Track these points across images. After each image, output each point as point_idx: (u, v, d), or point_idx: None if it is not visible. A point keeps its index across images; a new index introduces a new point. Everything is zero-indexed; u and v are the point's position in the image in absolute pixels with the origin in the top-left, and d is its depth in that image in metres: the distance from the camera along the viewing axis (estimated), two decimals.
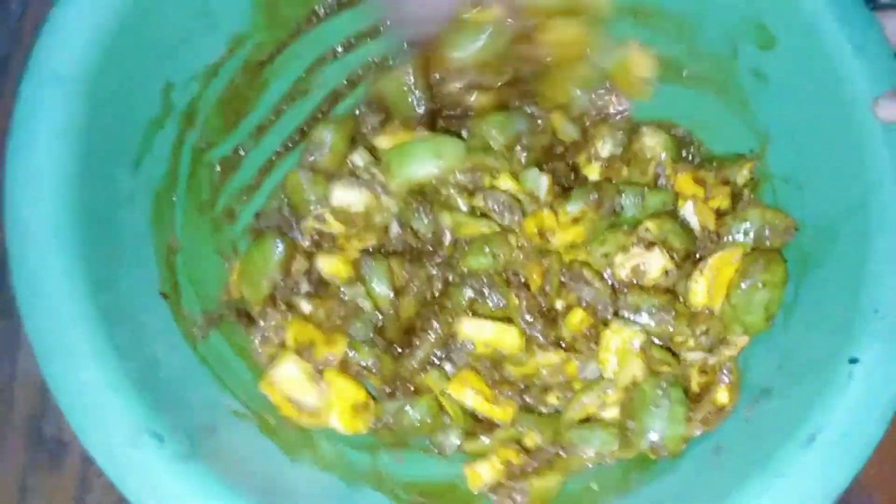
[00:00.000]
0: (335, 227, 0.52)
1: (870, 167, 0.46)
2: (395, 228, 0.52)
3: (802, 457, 0.41)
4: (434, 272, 0.52)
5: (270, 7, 0.56)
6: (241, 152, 0.58)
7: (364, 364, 0.51)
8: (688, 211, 0.50)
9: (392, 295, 0.50)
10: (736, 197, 0.53)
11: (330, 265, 0.51)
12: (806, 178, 0.51)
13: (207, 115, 0.56)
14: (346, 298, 0.50)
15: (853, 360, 0.42)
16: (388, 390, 0.52)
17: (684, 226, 0.50)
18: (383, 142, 0.54)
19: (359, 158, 0.54)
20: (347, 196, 0.51)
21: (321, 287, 0.53)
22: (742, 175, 0.54)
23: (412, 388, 0.51)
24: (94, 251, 0.45)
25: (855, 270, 0.45)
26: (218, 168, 0.56)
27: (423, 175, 0.51)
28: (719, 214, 0.52)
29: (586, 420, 0.49)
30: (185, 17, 0.52)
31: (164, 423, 0.41)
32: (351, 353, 0.51)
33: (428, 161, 0.51)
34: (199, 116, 0.55)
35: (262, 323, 0.52)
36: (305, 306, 0.50)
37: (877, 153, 0.46)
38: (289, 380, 0.49)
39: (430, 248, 0.52)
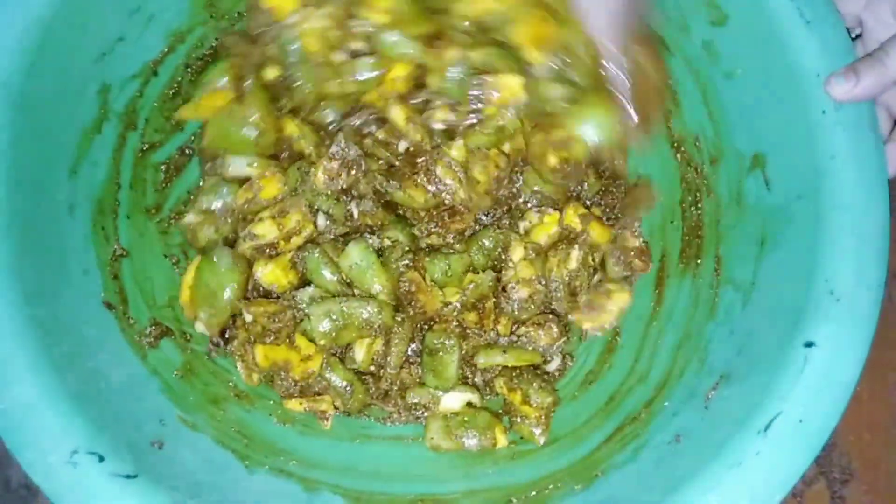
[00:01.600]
0: (269, 232, 0.50)
1: (822, 145, 0.45)
2: (321, 221, 0.51)
3: (759, 445, 0.40)
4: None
5: (208, 0, 0.54)
6: (188, 152, 0.56)
7: (337, 386, 0.50)
8: None
9: (338, 276, 0.49)
10: None
11: (268, 274, 0.50)
12: (763, 156, 0.50)
13: (149, 115, 0.54)
14: (303, 305, 0.49)
15: (809, 344, 0.42)
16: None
17: None
18: None
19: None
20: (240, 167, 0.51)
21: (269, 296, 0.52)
22: None
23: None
24: (30, 263, 0.44)
25: (810, 252, 0.44)
26: (163, 170, 0.55)
27: None
28: None
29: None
30: (117, 15, 0.50)
31: (104, 440, 0.40)
32: (331, 376, 0.50)
33: None
34: (140, 118, 0.53)
35: (229, 347, 0.51)
36: (248, 316, 0.49)
37: (829, 131, 0.45)
38: None
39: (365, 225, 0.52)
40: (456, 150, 0.52)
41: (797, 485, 0.40)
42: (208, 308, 0.50)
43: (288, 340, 0.50)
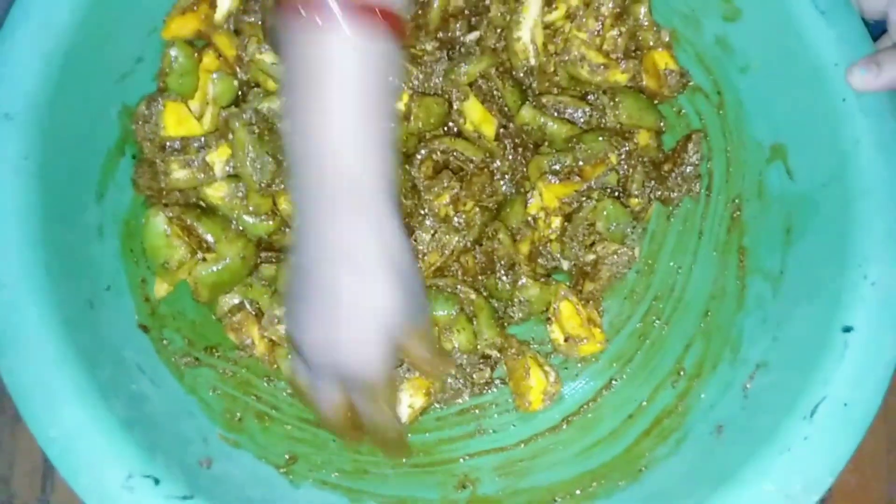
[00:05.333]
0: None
1: (845, 132, 0.46)
2: None
3: (806, 430, 0.41)
4: None
5: None
6: None
7: None
8: None
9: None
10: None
11: None
12: (783, 146, 0.51)
13: None
14: None
15: (847, 329, 0.42)
16: None
17: None
18: None
19: None
20: None
21: None
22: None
23: None
24: (67, 290, 0.43)
25: (840, 237, 0.45)
26: None
27: None
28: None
29: None
30: (136, 36, 0.50)
31: (158, 463, 0.40)
32: None
33: None
34: None
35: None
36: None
37: (851, 118, 0.46)
38: None
39: None
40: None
41: None
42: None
43: None
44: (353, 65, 0.39)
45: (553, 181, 0.52)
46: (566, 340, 0.53)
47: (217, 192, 0.49)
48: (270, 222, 0.49)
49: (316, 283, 0.41)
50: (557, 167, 0.52)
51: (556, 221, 0.53)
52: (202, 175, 0.48)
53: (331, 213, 0.40)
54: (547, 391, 0.52)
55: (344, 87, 0.39)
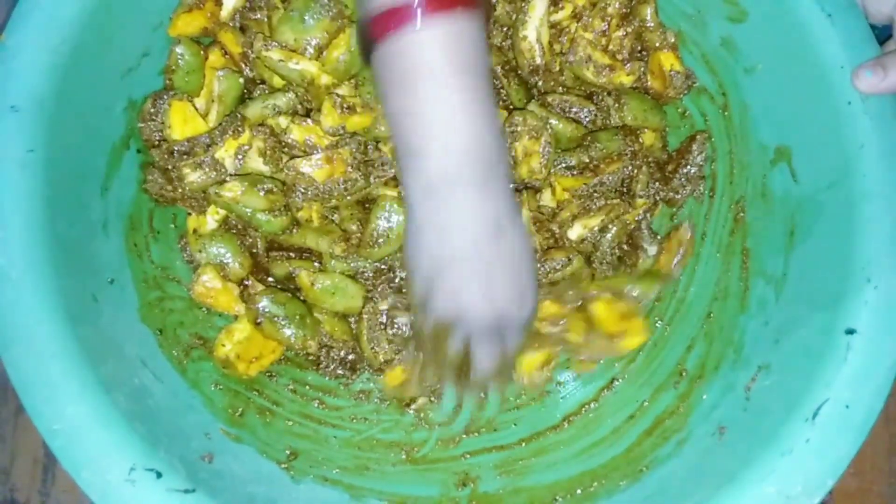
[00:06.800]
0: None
1: (849, 135, 0.46)
2: None
3: (808, 432, 0.41)
4: None
5: None
6: None
7: None
8: None
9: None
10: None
11: None
12: (787, 148, 0.51)
13: None
14: None
15: (850, 331, 0.42)
16: None
17: None
18: None
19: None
20: None
21: None
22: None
23: None
24: (71, 283, 0.43)
25: (844, 240, 0.45)
26: None
27: None
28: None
29: None
30: (141, 31, 0.50)
31: (160, 457, 0.40)
32: None
33: None
34: None
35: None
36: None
37: (856, 121, 0.46)
38: None
39: None
40: None
41: None
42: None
43: None
44: (440, 53, 0.40)
45: (567, 174, 0.52)
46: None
47: (230, 192, 0.49)
48: (284, 217, 0.49)
49: (462, 250, 0.43)
50: (562, 167, 0.52)
51: (567, 214, 0.53)
52: (214, 173, 0.48)
53: (462, 189, 0.41)
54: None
55: (442, 72, 0.40)
